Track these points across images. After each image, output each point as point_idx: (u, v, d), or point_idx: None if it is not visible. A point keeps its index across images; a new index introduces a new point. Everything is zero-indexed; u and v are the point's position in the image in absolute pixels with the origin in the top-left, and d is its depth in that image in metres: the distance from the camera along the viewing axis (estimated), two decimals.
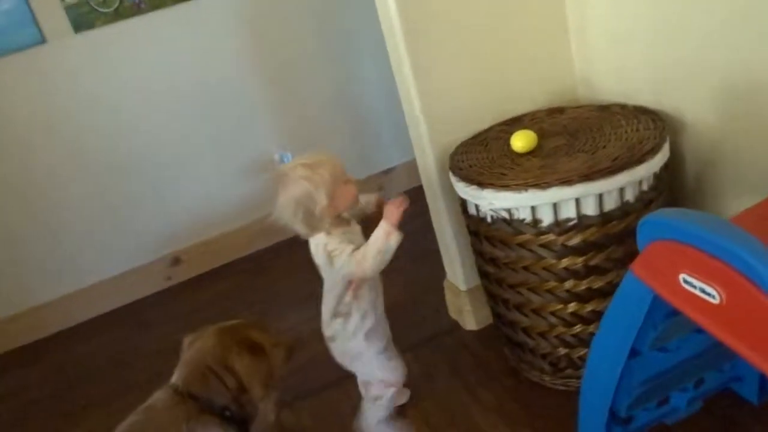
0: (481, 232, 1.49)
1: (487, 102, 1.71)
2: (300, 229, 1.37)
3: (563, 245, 1.37)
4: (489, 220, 1.44)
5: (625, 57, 1.61)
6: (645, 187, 1.38)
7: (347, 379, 1.66)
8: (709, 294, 0.89)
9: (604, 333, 1.14)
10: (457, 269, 1.86)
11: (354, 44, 2.75)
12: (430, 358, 1.85)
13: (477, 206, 1.45)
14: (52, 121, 2.44)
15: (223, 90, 2.63)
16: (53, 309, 2.62)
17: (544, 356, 1.56)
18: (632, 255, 1.38)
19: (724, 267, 0.86)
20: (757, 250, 0.84)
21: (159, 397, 1.30)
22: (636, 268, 1.04)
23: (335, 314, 1.45)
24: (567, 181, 1.30)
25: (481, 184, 1.40)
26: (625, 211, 1.36)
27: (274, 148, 2.77)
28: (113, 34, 2.42)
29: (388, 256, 1.32)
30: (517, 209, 1.38)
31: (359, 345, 1.48)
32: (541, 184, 1.31)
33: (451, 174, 1.52)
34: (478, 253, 1.57)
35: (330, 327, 1.47)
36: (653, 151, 1.35)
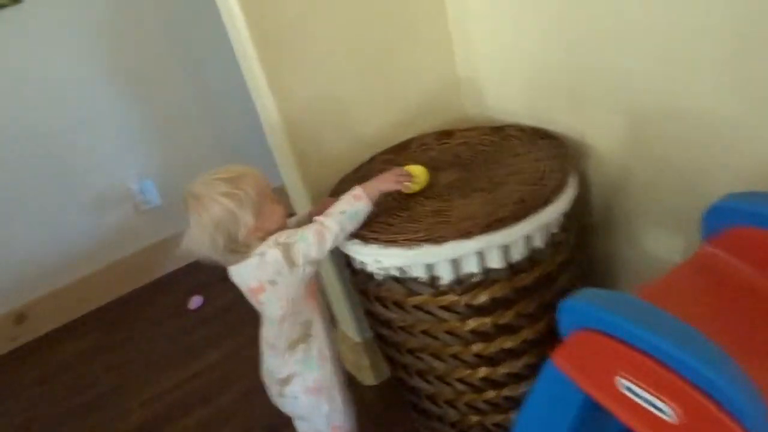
0: (370, 291, 1.24)
1: (366, 127, 1.46)
2: (221, 258, 1.09)
3: (467, 305, 1.15)
4: (378, 278, 1.19)
5: (513, 65, 1.41)
6: (554, 228, 1.18)
7: None
8: (660, 409, 0.68)
9: None
10: (349, 320, 1.60)
11: (214, 56, 2.40)
12: None
13: (362, 262, 1.20)
14: None
15: (64, 113, 2.20)
16: None
17: (453, 425, 1.34)
18: (545, 307, 1.20)
19: (674, 377, 0.66)
20: (713, 356, 0.64)
21: None
22: (558, 358, 0.82)
23: (297, 341, 1.17)
24: (466, 234, 1.07)
25: (364, 238, 1.14)
26: (533, 260, 1.15)
27: (131, 175, 2.38)
28: None
29: (351, 225, 1.12)
30: (409, 267, 1.14)
31: (327, 374, 1.21)
32: (436, 238, 1.08)
33: None
34: (369, 314, 1.32)
35: (287, 365, 1.18)
36: (560, 187, 1.15)
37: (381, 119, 1.48)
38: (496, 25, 1.41)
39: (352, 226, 1.12)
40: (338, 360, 1.27)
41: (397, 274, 1.16)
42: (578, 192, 1.23)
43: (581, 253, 1.36)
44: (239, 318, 2.00)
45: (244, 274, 1.11)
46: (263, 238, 1.09)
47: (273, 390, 1.26)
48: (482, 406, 1.28)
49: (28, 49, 2.10)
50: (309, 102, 1.36)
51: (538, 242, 1.15)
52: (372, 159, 1.44)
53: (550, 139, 1.32)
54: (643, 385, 0.68)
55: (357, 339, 1.62)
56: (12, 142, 2.15)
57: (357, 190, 1.13)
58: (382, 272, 1.17)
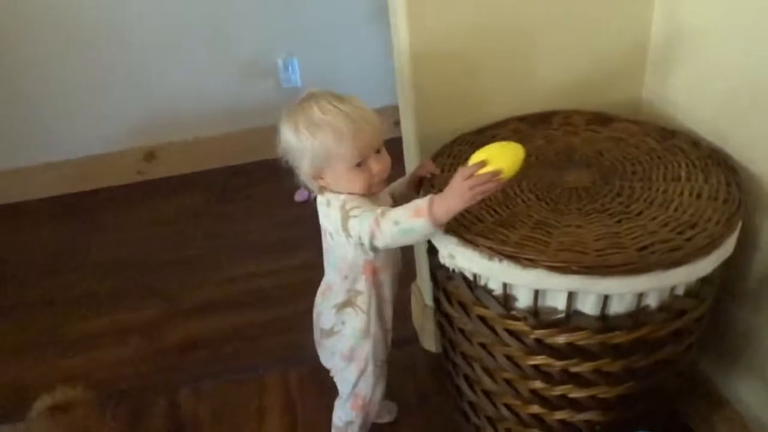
0: (438, 278, 1.08)
1: (508, 82, 1.22)
2: (305, 181, 1.01)
3: (538, 341, 0.96)
4: (449, 269, 1.03)
5: (719, 58, 1.08)
6: (680, 291, 0.93)
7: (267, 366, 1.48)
8: None
9: None
10: (425, 280, 1.46)
11: None
12: None
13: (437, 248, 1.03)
14: None
15: None
16: (15, 177, 2.37)
17: None
18: (634, 372, 0.98)
19: None
20: None
21: None
22: None
23: (343, 305, 1.09)
24: (562, 268, 0.86)
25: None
26: (637, 320, 0.92)
27: (279, 51, 2.32)
28: None
29: (404, 239, 0.92)
30: (485, 276, 0.95)
31: (364, 349, 1.12)
32: (523, 260, 0.88)
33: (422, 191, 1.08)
34: (435, 299, 1.17)
35: (331, 319, 1.12)
36: (712, 246, 0.88)
37: (529, 76, 1.23)
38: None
39: (406, 240, 0.93)
40: (385, 341, 1.15)
41: (470, 276, 0.98)
42: (733, 253, 0.95)
43: (711, 323, 1.08)
44: None
45: (321, 208, 1.03)
46: (331, 191, 0.98)
47: (315, 334, 1.19)
48: None
49: None
50: (447, 35, 1.15)
51: (652, 302, 0.91)
52: (503, 123, 1.22)
53: (728, 172, 1.01)
54: None
55: (428, 303, 1.49)
56: None
57: (423, 204, 0.89)
58: (454, 267, 1.00)
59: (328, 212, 0.99)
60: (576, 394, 1.00)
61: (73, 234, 2.16)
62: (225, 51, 2.30)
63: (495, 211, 0.98)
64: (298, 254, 1.90)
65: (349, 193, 0.98)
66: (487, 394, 1.11)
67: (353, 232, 0.94)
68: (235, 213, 2.18)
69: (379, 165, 0.97)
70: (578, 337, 0.93)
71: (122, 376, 1.57)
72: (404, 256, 1.12)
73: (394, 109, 1.33)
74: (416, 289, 1.57)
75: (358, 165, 0.95)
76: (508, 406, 1.08)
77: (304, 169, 0.98)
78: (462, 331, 1.07)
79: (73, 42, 2.19)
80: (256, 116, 2.37)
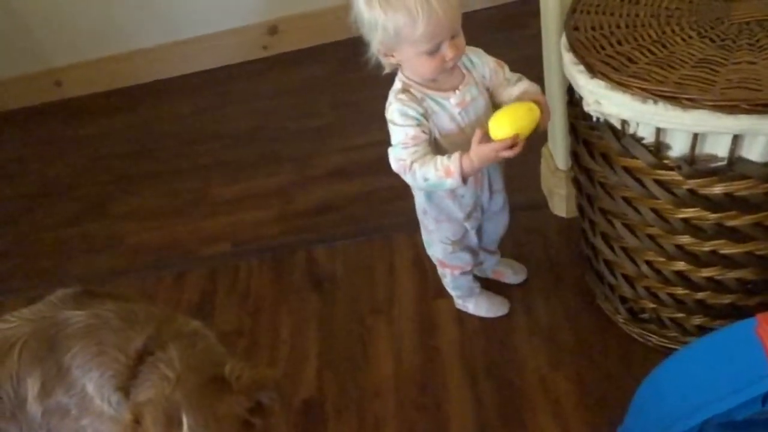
0: (580, 130, 1.03)
1: None
2: (376, 56, 1.01)
3: (691, 191, 0.90)
4: (593, 119, 0.97)
5: None
6: None
7: (395, 228, 1.54)
8: None
9: (682, 379, 0.74)
10: (558, 142, 1.40)
11: None
12: None
13: (580, 96, 0.96)
14: None
15: None
16: (148, 57, 2.49)
17: (623, 299, 1.17)
18: None
19: None
20: None
21: None
22: (764, 325, 0.60)
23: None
24: (730, 107, 0.78)
25: (592, 69, 0.90)
26: None
27: None
28: None
29: (429, 189, 1.05)
30: (635, 123, 0.89)
31: (428, 220, 1.20)
32: (683, 100, 0.80)
33: (564, 35, 1.00)
34: (573, 153, 1.12)
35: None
36: None
37: None
38: None
39: (431, 189, 1.05)
40: (459, 227, 1.17)
41: (616, 125, 0.92)
42: None
43: None
44: None
45: None
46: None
47: None
48: (664, 297, 1.08)
49: None
50: None
51: None
52: None
53: None
54: None
55: (561, 166, 1.43)
56: None
57: (453, 167, 0.95)
58: (599, 116, 0.94)
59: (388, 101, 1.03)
60: (729, 249, 0.95)
61: (208, 107, 2.27)
62: None
63: (649, 51, 0.89)
64: None
65: (412, 80, 0.99)
66: (626, 251, 1.07)
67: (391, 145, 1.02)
68: (359, 82, 2.17)
69: (453, 51, 0.93)
70: (740, 187, 0.86)
71: (263, 235, 1.69)
72: None
73: None
74: (546, 153, 1.51)
75: (430, 52, 0.91)
76: (649, 263, 1.04)
77: (374, 44, 0.95)
78: (603, 185, 1.02)
79: None
80: None
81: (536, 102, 0.95)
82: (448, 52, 0.92)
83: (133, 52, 2.47)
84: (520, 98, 0.99)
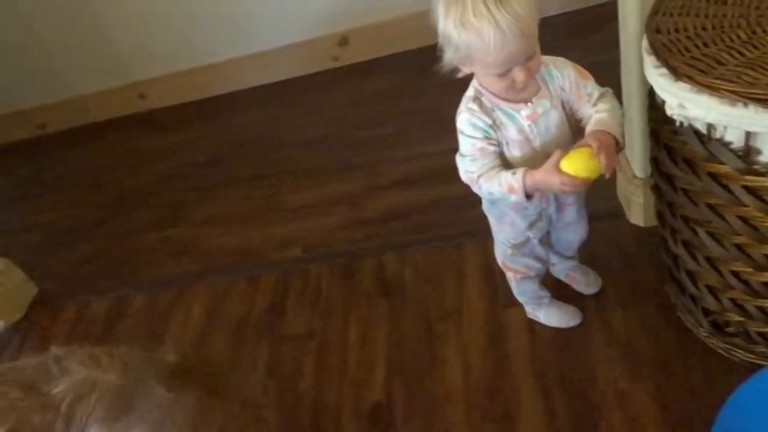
0: (661, 135, 1.00)
1: None
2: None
3: None
4: (676, 123, 0.94)
5: None
6: None
7: (465, 236, 1.54)
8: None
9: None
10: (636, 149, 1.36)
11: None
12: None
13: (663, 100, 0.94)
14: None
15: None
16: (223, 69, 2.58)
17: (706, 312, 1.12)
18: None
19: None
20: None
21: None
22: None
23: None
24: None
25: (676, 72, 0.87)
26: None
27: None
28: None
29: (494, 199, 1.07)
30: (722, 127, 0.86)
31: (491, 220, 1.21)
32: None
33: (645, 38, 0.98)
34: (653, 159, 1.08)
35: None
36: None
37: None
38: None
39: (495, 200, 1.08)
40: (520, 231, 1.16)
41: (702, 129, 0.89)
42: None
43: None
44: None
45: None
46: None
47: None
48: (752, 310, 1.03)
49: None
50: None
51: None
52: None
53: None
54: None
55: (638, 173, 1.39)
56: None
57: (516, 183, 0.96)
58: (683, 120, 0.91)
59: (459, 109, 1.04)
60: None
61: (280, 117, 2.34)
62: None
63: (739, 53, 0.86)
64: None
65: (485, 88, 0.99)
66: (710, 261, 1.03)
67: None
68: (429, 90, 2.19)
69: (524, 74, 0.91)
70: None
71: (332, 240, 1.72)
72: None
73: None
74: (623, 160, 1.47)
75: (500, 75, 0.92)
76: (736, 274, 1.00)
77: (448, 55, 0.96)
78: (686, 192, 0.99)
79: None
80: None
81: (605, 149, 0.92)
82: (519, 74, 0.92)
83: (210, 65, 2.58)
84: (595, 134, 0.95)
